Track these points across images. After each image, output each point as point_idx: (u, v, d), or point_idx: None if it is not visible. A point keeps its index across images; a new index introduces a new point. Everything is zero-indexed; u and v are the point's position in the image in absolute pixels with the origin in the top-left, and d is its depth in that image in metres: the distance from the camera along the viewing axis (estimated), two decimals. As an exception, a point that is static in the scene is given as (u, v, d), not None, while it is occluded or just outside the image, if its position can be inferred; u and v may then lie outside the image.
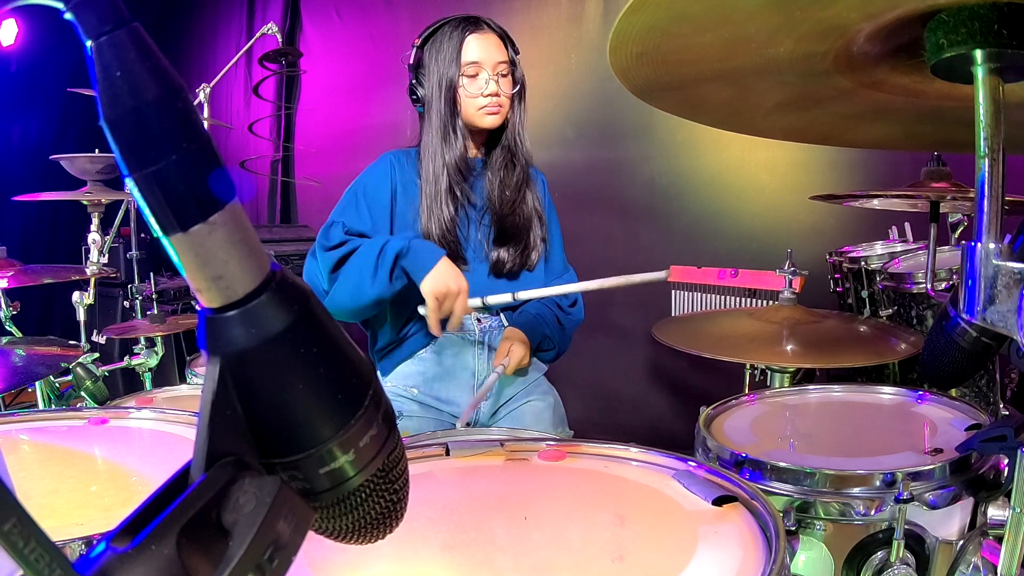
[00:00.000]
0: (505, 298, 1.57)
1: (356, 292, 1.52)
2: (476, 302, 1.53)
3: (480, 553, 0.76)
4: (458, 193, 1.64)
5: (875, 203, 1.77)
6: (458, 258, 1.63)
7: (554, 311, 1.76)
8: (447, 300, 1.48)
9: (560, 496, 0.91)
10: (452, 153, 1.62)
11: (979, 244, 0.64)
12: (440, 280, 1.48)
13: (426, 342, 1.68)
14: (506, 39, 1.66)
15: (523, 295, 1.58)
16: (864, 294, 2.07)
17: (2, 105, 3.93)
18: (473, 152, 1.71)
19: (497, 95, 1.61)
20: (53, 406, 1.97)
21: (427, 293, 1.48)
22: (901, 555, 0.94)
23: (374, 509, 0.39)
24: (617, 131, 3.18)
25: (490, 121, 1.63)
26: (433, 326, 1.52)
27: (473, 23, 1.62)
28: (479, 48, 1.60)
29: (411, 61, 1.66)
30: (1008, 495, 0.84)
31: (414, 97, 1.68)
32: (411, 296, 1.55)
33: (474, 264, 1.68)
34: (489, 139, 1.71)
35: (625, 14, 0.63)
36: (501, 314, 1.71)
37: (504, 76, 1.63)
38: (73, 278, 2.16)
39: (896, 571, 0.94)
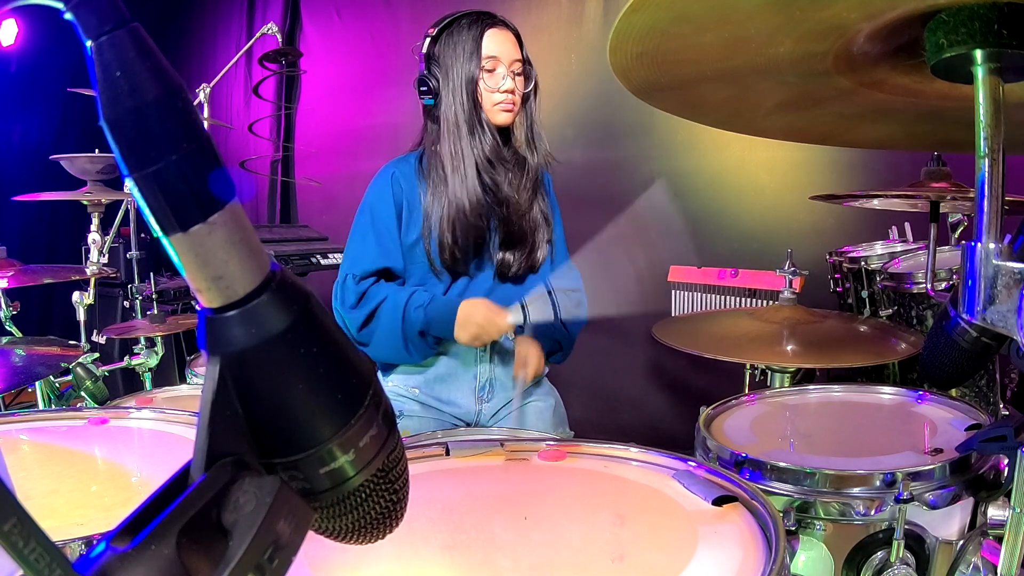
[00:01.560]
0: (541, 298, 1.53)
1: (395, 354, 1.60)
2: (517, 315, 1.52)
3: (480, 553, 0.76)
4: (490, 186, 1.59)
5: (875, 203, 1.77)
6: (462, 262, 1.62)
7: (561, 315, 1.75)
8: (485, 335, 1.53)
9: (560, 496, 0.91)
10: (483, 147, 1.58)
11: (979, 244, 0.64)
12: (467, 328, 1.52)
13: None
14: (519, 38, 1.63)
15: (563, 299, 1.56)
16: (864, 294, 2.07)
17: (2, 105, 3.94)
18: None
19: (512, 92, 1.58)
20: (53, 406, 1.97)
21: (466, 343, 1.54)
22: (901, 555, 0.94)
23: (374, 509, 0.39)
24: (617, 131, 3.18)
25: (503, 118, 1.59)
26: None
27: (490, 18, 1.60)
28: (498, 43, 1.58)
29: (424, 51, 1.61)
30: (1008, 495, 0.84)
31: (424, 88, 1.62)
32: None
33: (478, 268, 1.65)
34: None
35: (625, 14, 0.63)
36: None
37: (518, 75, 1.60)
38: (73, 278, 2.16)
39: (896, 571, 0.94)
